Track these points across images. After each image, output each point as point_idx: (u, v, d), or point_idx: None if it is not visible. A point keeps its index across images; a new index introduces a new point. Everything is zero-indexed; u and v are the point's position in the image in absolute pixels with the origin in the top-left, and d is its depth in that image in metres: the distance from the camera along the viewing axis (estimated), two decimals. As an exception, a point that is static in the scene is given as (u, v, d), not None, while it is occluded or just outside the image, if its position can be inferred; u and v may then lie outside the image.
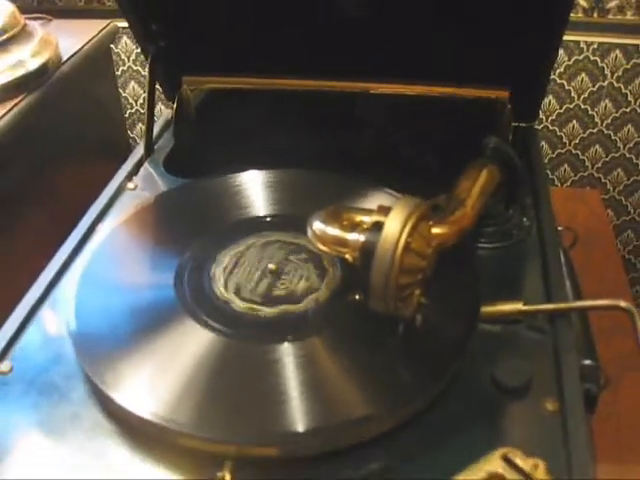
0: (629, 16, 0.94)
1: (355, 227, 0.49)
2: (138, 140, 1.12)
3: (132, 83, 1.07)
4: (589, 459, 0.42)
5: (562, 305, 0.53)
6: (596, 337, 0.57)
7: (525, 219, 0.63)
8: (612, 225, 1.12)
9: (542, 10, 0.61)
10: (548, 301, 0.54)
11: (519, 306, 0.52)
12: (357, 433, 0.43)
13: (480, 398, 0.47)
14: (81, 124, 0.84)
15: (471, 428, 0.45)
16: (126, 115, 1.09)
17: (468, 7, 0.64)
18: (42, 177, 0.76)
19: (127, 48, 1.04)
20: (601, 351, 0.56)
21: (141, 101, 1.09)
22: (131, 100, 1.09)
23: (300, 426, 0.43)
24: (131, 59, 1.05)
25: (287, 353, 0.48)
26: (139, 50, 1.04)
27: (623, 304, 0.50)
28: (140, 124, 1.11)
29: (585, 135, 1.06)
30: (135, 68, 1.06)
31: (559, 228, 0.64)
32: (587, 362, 0.52)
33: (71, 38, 0.82)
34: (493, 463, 0.41)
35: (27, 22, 0.75)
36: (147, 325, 0.50)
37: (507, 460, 0.42)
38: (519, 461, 0.41)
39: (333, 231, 0.49)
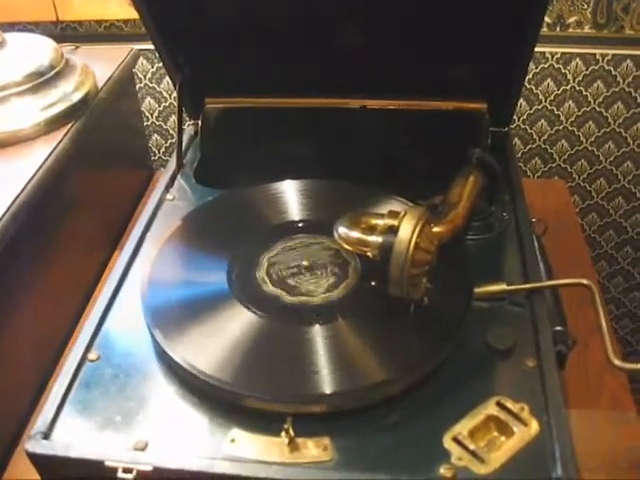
0: (586, 29, 1.00)
1: (372, 229, 0.57)
2: (154, 149, 1.21)
3: (148, 98, 1.14)
4: (561, 403, 0.51)
5: (537, 284, 0.61)
6: (568, 307, 0.64)
7: (504, 214, 0.70)
8: (578, 209, 1.19)
9: (515, 30, 0.67)
10: (526, 281, 0.62)
11: (503, 286, 0.60)
12: (382, 392, 0.52)
13: (476, 359, 0.56)
14: (113, 138, 0.92)
15: (471, 382, 0.54)
16: (143, 127, 1.15)
17: (448, 32, 0.71)
18: (89, 186, 0.84)
19: (143, 67, 1.11)
20: (572, 319, 0.63)
21: (156, 114, 1.15)
22: (147, 114, 1.16)
23: (337, 388, 0.52)
24: (147, 77, 1.12)
25: (318, 333, 0.57)
26: (154, 69, 1.11)
27: (585, 282, 0.59)
28: (156, 135, 1.17)
29: (552, 132, 1.12)
30: (151, 85, 1.13)
31: (532, 220, 0.72)
32: (558, 328, 0.60)
33: (100, 64, 0.89)
34: (489, 408, 0.52)
35: (67, 56, 0.83)
36: (211, 314, 0.59)
37: (500, 405, 0.52)
38: (509, 405, 0.51)
39: (355, 234, 0.57)
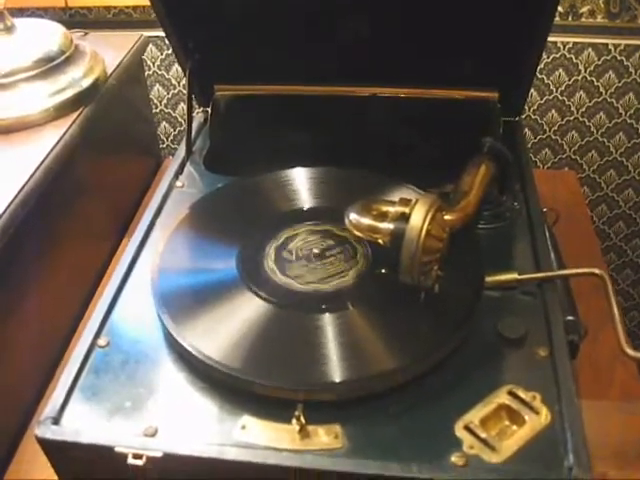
0: (599, 19, 1.00)
1: (383, 216, 0.57)
2: (163, 137, 1.21)
3: (157, 85, 1.13)
4: (573, 392, 0.51)
5: (548, 274, 0.61)
6: (578, 297, 0.64)
7: (515, 203, 0.70)
8: (588, 200, 1.18)
9: (528, 19, 0.67)
10: (537, 271, 0.62)
11: (515, 276, 0.60)
12: (393, 380, 0.52)
13: (488, 348, 0.55)
14: (122, 125, 0.92)
15: (482, 371, 0.54)
16: (151, 114, 1.15)
17: (461, 21, 0.71)
18: (97, 172, 0.84)
19: (152, 54, 1.10)
20: (583, 309, 0.63)
21: (165, 102, 1.15)
22: (156, 101, 1.15)
23: (348, 376, 0.52)
24: (156, 64, 1.11)
25: (328, 321, 0.56)
26: (163, 56, 1.11)
27: (597, 271, 0.59)
28: (165, 122, 1.17)
29: (563, 122, 1.12)
30: (160, 72, 1.12)
31: (544, 209, 0.71)
32: (570, 318, 0.60)
33: (110, 51, 0.89)
34: (501, 397, 0.51)
35: (77, 42, 0.83)
36: (220, 301, 0.59)
37: (512, 394, 0.52)
38: (521, 394, 0.51)
39: (366, 221, 0.57)
